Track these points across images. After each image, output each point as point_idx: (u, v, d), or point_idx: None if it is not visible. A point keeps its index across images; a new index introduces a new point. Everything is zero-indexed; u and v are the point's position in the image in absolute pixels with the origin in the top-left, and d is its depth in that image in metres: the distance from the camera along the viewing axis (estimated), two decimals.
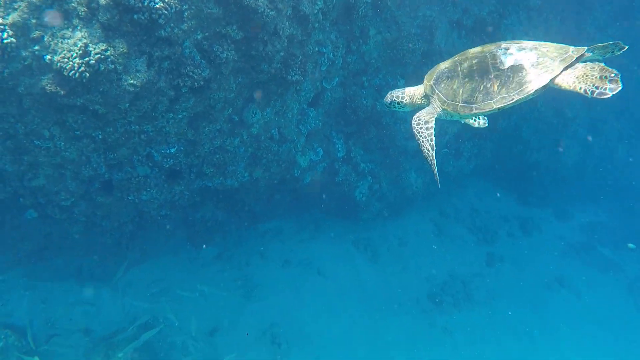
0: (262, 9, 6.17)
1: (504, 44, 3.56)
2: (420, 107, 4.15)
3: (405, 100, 4.22)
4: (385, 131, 9.92)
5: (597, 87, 3.19)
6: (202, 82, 6.20)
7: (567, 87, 3.37)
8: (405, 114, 5.05)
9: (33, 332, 7.95)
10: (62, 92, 5.77)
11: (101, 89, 5.79)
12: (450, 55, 4.04)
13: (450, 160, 11.67)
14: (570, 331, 11.32)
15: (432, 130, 3.88)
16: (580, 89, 3.27)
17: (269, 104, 7.71)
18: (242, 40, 6.44)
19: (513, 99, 3.41)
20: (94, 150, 6.76)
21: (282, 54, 7.01)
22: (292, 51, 7.28)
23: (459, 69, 3.62)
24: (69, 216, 7.81)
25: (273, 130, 8.13)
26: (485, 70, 3.47)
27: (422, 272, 11.29)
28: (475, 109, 3.51)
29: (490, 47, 3.62)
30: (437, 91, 3.76)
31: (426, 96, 4.01)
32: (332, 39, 8.30)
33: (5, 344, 7.32)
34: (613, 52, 3.43)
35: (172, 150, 7.12)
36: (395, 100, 4.29)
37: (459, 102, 3.59)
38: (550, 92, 3.61)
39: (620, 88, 3.15)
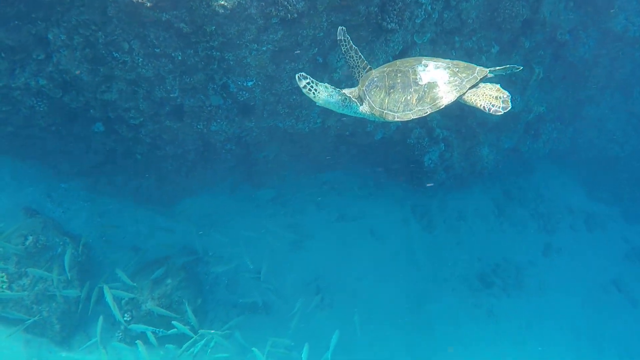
0: None
1: (424, 61, 4.12)
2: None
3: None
4: None
5: (493, 105, 3.80)
6: (295, 15, 5.75)
7: (470, 103, 3.95)
8: None
9: (88, 242, 8.05)
10: (148, 4, 5.47)
11: (190, 6, 5.45)
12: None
13: (526, 140, 10.93)
14: (619, 338, 10.78)
15: (345, 95, 4.20)
16: (480, 105, 3.87)
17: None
18: None
19: (427, 112, 3.96)
20: (171, 72, 6.49)
21: None
22: None
23: (386, 80, 4.10)
24: (135, 135, 7.68)
25: None
26: (407, 84, 3.99)
27: (476, 251, 10.84)
28: (397, 117, 4.03)
29: (413, 63, 4.14)
30: (367, 97, 4.18)
31: (359, 99, 4.35)
32: None
33: (63, 250, 7.39)
34: (512, 71, 4.17)
35: (250, 83, 6.77)
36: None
37: (385, 110, 4.06)
38: None
39: (509, 108, 3.77)
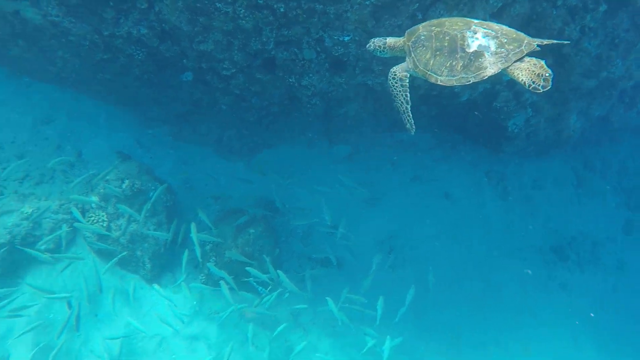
0: None
1: (473, 26, 4.02)
2: (398, 56, 4.61)
3: (387, 49, 4.63)
4: (564, 62, 8.78)
5: (533, 82, 3.82)
6: None
7: (513, 76, 3.96)
8: None
9: (174, 188, 8.37)
10: None
11: None
12: None
13: (619, 109, 10.35)
14: None
15: (407, 87, 4.43)
16: (521, 80, 3.90)
17: (457, 7, 6.90)
18: None
19: (470, 80, 3.95)
20: (269, 24, 6.46)
21: None
22: None
23: (434, 41, 4.06)
24: (225, 86, 7.78)
25: None
26: (454, 49, 3.96)
27: (551, 222, 10.57)
28: (440, 81, 4.03)
29: (462, 26, 4.04)
30: (413, 54, 4.20)
31: (403, 51, 4.40)
32: None
33: (154, 194, 7.71)
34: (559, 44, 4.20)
35: (346, 38, 6.67)
36: (377, 48, 4.68)
37: (428, 71, 4.08)
38: None
39: (549, 87, 3.78)
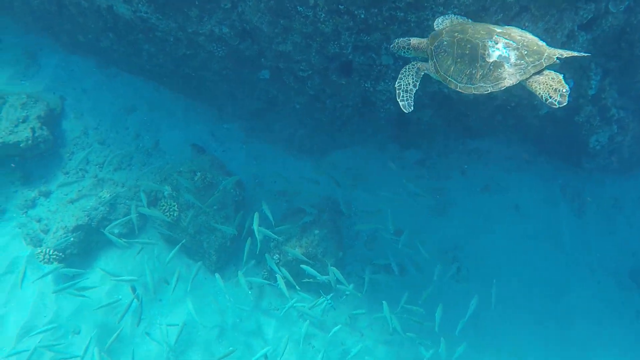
0: None
1: (495, 35, 4.05)
2: (421, 56, 4.64)
3: (410, 49, 4.65)
4: None
5: (550, 97, 3.82)
6: None
7: (530, 89, 3.98)
8: None
9: (243, 183, 8.56)
10: None
11: None
12: None
13: None
14: None
15: (419, 77, 4.53)
16: (539, 94, 3.91)
17: (543, 18, 6.59)
18: None
19: (488, 90, 4.00)
20: (349, 29, 6.43)
21: None
22: None
23: (456, 48, 4.10)
24: (301, 87, 7.84)
25: None
26: (475, 58, 3.98)
27: (631, 245, 9.93)
28: (459, 88, 4.10)
29: (484, 35, 4.07)
30: (435, 59, 4.27)
31: (426, 53, 4.47)
32: None
33: (225, 188, 7.91)
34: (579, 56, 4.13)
35: None
36: (402, 48, 4.69)
37: (448, 77, 4.16)
38: None
39: (565, 103, 3.78)
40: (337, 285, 7.60)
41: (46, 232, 7.65)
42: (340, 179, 9.04)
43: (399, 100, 4.63)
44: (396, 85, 4.65)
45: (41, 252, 7.35)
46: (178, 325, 7.42)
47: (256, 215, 7.32)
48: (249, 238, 7.59)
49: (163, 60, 8.09)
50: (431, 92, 7.67)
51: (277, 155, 9.01)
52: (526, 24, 6.57)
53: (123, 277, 7.50)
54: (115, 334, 7.00)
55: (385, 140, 9.32)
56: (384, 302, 7.50)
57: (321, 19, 6.31)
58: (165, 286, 7.82)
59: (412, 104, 4.62)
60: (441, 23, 4.79)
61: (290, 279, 7.38)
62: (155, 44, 7.81)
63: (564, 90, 3.82)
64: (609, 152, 9.28)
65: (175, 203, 7.76)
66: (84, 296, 7.19)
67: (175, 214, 7.73)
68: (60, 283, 7.50)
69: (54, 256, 7.35)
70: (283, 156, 9.02)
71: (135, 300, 7.19)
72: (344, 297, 8.19)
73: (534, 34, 4.39)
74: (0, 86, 8.19)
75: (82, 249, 7.68)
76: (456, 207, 9.32)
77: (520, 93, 7.84)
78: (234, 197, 8.10)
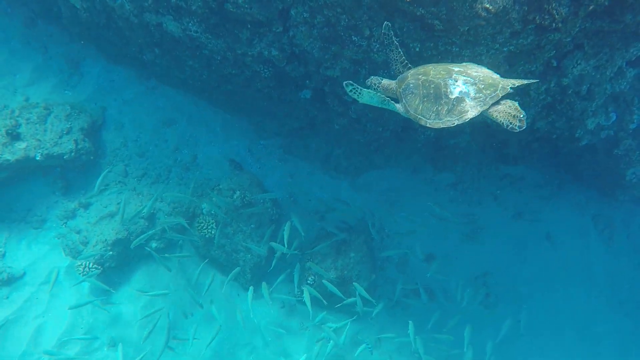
0: None
1: (454, 74, 4.45)
2: (390, 96, 4.95)
3: (380, 89, 5.00)
4: None
5: (510, 123, 4.22)
6: (560, 25, 5.34)
7: (491, 117, 4.37)
8: None
9: (279, 201, 8.59)
10: None
11: (452, 6, 5.27)
12: None
13: None
14: None
15: (385, 97, 4.77)
16: (499, 121, 4.29)
17: (595, 56, 6.58)
18: None
19: (454, 123, 4.40)
20: (401, 60, 6.42)
21: None
22: None
23: (421, 89, 4.52)
24: (344, 110, 7.84)
25: (584, 86, 7.04)
26: (439, 96, 4.39)
27: None
28: (429, 124, 4.48)
29: (444, 75, 4.47)
30: (404, 100, 4.66)
31: (395, 94, 4.84)
32: None
33: (263, 207, 7.94)
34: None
35: None
36: (373, 85, 5.04)
37: (419, 115, 4.52)
38: None
39: (524, 127, 4.17)
40: (364, 308, 7.63)
41: (85, 244, 7.71)
42: (374, 199, 9.07)
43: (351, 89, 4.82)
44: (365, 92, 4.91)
45: (80, 264, 7.41)
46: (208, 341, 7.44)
47: (287, 224, 7.38)
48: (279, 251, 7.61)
49: (207, 76, 8.11)
50: (475, 122, 7.64)
51: (313, 173, 9.04)
52: (578, 61, 6.57)
53: (156, 292, 7.54)
54: (142, 354, 7.07)
55: (419, 162, 9.33)
56: (410, 322, 7.51)
57: (375, 50, 6.32)
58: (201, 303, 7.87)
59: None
60: (399, 72, 5.14)
61: (317, 293, 7.41)
62: (200, 61, 7.84)
63: (521, 116, 4.19)
64: None
65: (213, 220, 7.80)
66: (107, 311, 7.36)
67: (212, 232, 7.77)
68: (95, 295, 7.58)
69: (93, 269, 7.41)
70: (319, 174, 9.05)
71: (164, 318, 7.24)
72: (371, 319, 8.17)
73: (491, 71, 4.68)
74: (45, 95, 8.26)
75: (120, 262, 7.73)
76: (487, 233, 9.32)
77: (564, 126, 7.84)
78: (271, 216, 8.13)
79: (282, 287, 8.08)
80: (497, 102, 4.35)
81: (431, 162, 9.41)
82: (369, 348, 7.76)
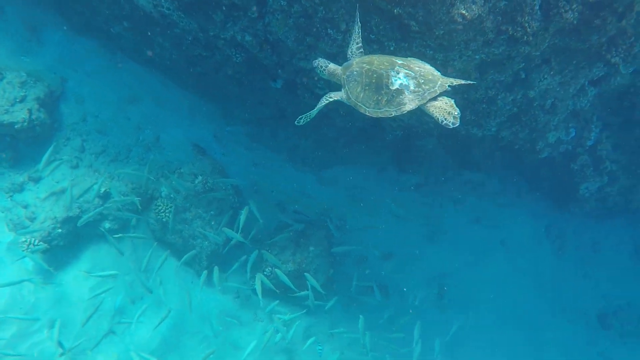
0: None
1: (397, 67, 4.51)
2: (334, 82, 5.06)
3: (326, 72, 5.06)
4: None
5: (445, 119, 4.33)
6: (531, 38, 5.43)
7: (428, 112, 4.48)
8: None
9: (240, 189, 8.46)
10: None
11: (429, 8, 5.26)
12: None
13: None
14: None
15: (327, 104, 4.99)
16: (435, 116, 4.40)
17: (561, 72, 6.75)
18: (594, 5, 5.45)
19: (392, 114, 4.50)
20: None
21: (616, 30, 5.93)
22: (625, 28, 6.13)
23: (364, 77, 4.59)
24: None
25: (549, 100, 7.22)
26: (380, 86, 4.46)
27: (602, 288, 10.34)
28: (368, 112, 4.58)
29: (387, 66, 4.54)
30: (347, 87, 4.75)
31: (339, 80, 4.89)
32: None
33: (225, 194, 7.80)
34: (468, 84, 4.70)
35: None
36: (320, 67, 5.09)
37: (359, 102, 4.62)
38: None
39: (457, 124, 4.28)
40: (317, 302, 7.64)
41: (32, 219, 7.37)
42: (338, 195, 9.06)
43: (302, 119, 5.21)
44: (312, 110, 5.11)
45: (25, 240, 7.08)
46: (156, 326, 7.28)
47: (246, 209, 7.29)
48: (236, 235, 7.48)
49: (176, 56, 7.88)
50: (442, 125, 7.72)
51: (279, 164, 8.94)
52: (545, 75, 6.72)
53: (104, 273, 7.30)
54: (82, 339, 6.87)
55: (386, 161, 9.37)
56: (360, 316, 7.57)
57: (349, 44, 6.25)
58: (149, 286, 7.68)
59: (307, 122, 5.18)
60: (353, 54, 5.21)
61: (269, 283, 7.39)
62: (170, 40, 7.60)
63: (456, 114, 4.31)
64: (595, 199, 9.61)
65: (172, 205, 7.61)
66: (45, 290, 7.15)
67: (171, 216, 7.58)
68: (40, 273, 7.27)
69: (39, 246, 7.09)
70: (284, 166, 8.96)
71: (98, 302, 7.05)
72: (324, 313, 8.18)
73: (431, 65, 4.75)
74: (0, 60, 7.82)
75: (70, 240, 7.43)
76: (446, 236, 9.48)
77: (526, 137, 8.03)
78: (232, 204, 8.00)
79: (238, 277, 7.97)
80: (434, 98, 4.46)
81: (397, 162, 9.47)
82: (320, 350, 7.76)
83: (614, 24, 5.66)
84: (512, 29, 5.41)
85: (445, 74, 4.82)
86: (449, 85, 4.49)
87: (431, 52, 6.04)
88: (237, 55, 7.35)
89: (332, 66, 5.05)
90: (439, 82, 4.46)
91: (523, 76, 6.75)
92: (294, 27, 6.45)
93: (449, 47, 5.87)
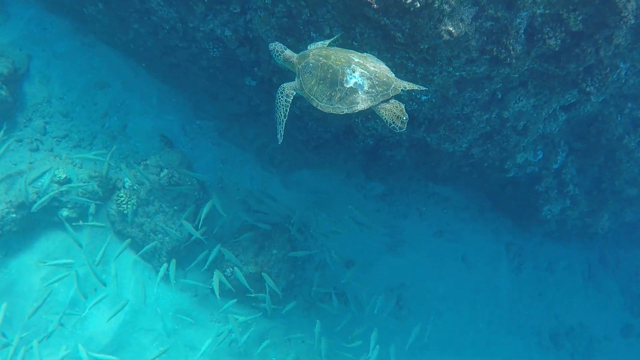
0: (625, 12, 5.18)
1: (353, 65, 4.50)
2: (288, 68, 5.04)
3: (281, 57, 5.01)
4: (613, 166, 8.81)
5: (393, 122, 4.39)
6: (513, 61, 5.49)
7: (378, 113, 4.50)
8: None
9: (206, 185, 8.27)
10: (375, 5, 5.28)
11: (417, 22, 5.24)
12: None
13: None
14: None
15: (289, 103, 4.89)
16: (384, 119, 4.45)
17: (536, 96, 6.86)
18: (576, 34, 5.55)
19: (344, 111, 4.49)
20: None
21: (594, 60, 6.06)
22: (602, 59, 6.27)
23: (319, 71, 4.55)
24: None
25: (522, 122, 7.34)
26: (335, 82, 4.46)
27: (555, 308, 10.61)
28: (320, 107, 4.55)
29: (343, 62, 4.52)
30: (301, 77, 4.70)
31: (294, 68, 4.86)
32: (636, 57, 7.08)
33: (190, 189, 7.60)
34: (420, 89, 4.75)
35: (424, 98, 6.59)
36: (275, 51, 5.04)
37: (312, 95, 4.59)
38: None
39: (404, 129, 4.39)
40: (273, 306, 7.54)
41: None
42: (303, 198, 8.97)
43: (278, 135, 4.91)
44: (277, 120, 4.97)
45: None
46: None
47: (209, 203, 7.15)
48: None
49: (151, 44, 7.64)
50: (413, 138, 7.76)
51: (247, 163, 8.78)
52: (520, 98, 6.82)
53: (57, 262, 6.98)
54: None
55: (354, 168, 9.34)
56: (317, 321, 7.50)
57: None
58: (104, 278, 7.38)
59: (283, 134, 4.91)
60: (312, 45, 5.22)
61: (226, 282, 7.24)
62: (147, 27, 7.36)
63: (404, 118, 4.37)
64: (556, 221, 9.85)
65: (135, 197, 7.36)
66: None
67: (133, 208, 7.33)
68: None
69: None
70: (252, 165, 8.81)
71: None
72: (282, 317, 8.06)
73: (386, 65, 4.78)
74: None
75: (24, 227, 7.08)
76: (408, 247, 9.52)
77: (496, 156, 8.14)
78: (197, 200, 7.81)
79: (197, 275, 7.78)
80: (386, 101, 4.48)
81: (365, 170, 9.46)
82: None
83: (593, 54, 5.77)
84: (497, 50, 5.45)
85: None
86: (402, 89, 4.55)
87: (412, 65, 6.03)
88: (214, 50, 7.20)
89: (288, 52, 5.01)
90: (393, 85, 4.49)
91: (499, 96, 6.83)
92: (276, 26, 6.33)
93: (431, 62, 5.87)
